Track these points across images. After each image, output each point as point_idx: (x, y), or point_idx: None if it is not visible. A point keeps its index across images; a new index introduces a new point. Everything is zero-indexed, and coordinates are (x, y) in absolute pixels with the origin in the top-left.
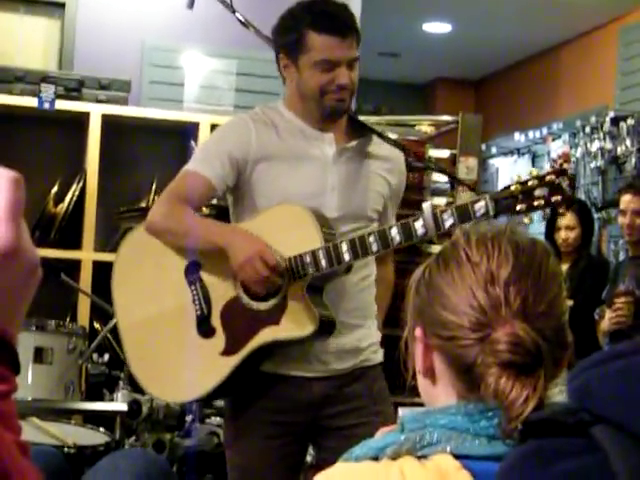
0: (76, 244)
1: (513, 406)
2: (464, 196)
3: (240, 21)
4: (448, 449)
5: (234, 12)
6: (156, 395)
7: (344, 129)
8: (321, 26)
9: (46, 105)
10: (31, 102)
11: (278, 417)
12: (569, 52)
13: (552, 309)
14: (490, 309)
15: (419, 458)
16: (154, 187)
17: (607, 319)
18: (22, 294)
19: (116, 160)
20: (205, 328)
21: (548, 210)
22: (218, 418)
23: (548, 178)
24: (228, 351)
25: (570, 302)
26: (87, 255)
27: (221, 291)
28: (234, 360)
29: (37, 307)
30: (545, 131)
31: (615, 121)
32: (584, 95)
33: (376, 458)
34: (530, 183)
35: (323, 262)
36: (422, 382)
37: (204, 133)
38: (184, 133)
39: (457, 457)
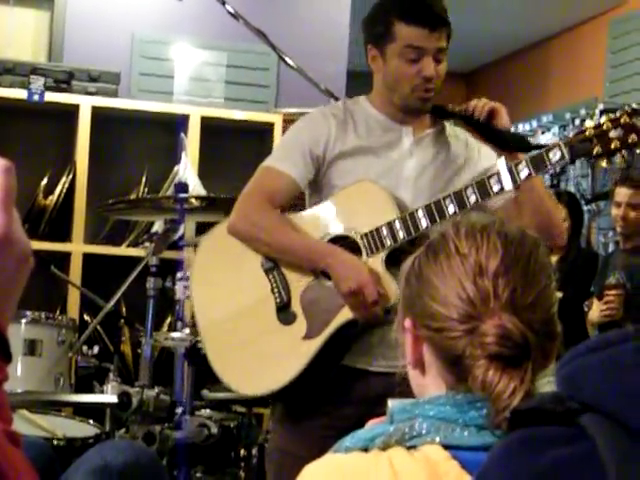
0: (66, 236)
1: (500, 398)
2: None
3: (230, 13)
4: (437, 439)
5: (224, 4)
6: (241, 391)
7: (426, 119)
8: (410, 16)
9: (35, 97)
10: (20, 94)
11: (336, 409)
12: (559, 45)
13: (541, 300)
14: (479, 301)
15: (408, 449)
16: (144, 179)
17: (597, 311)
18: (13, 283)
19: (106, 152)
20: (286, 315)
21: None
22: (208, 410)
23: (623, 119)
24: (310, 334)
25: (559, 294)
26: (77, 247)
27: (299, 276)
28: (316, 343)
29: (27, 299)
30: (535, 124)
31: (605, 113)
32: (574, 88)
33: (366, 449)
34: (604, 126)
35: (400, 233)
36: (412, 373)
37: (194, 125)
38: (174, 125)
39: (446, 447)
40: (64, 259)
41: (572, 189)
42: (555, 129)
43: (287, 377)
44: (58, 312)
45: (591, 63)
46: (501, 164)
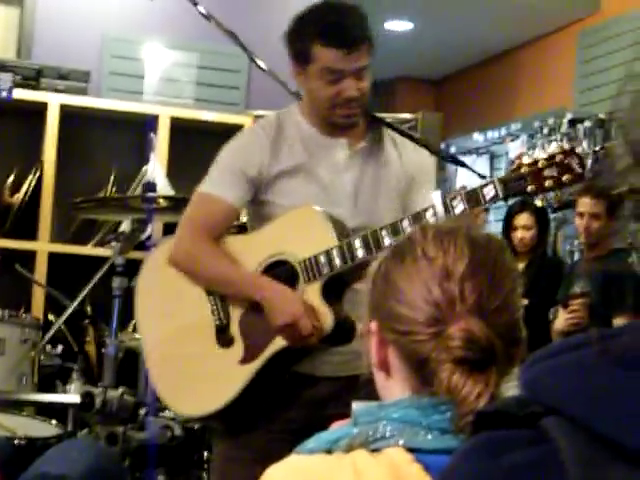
0: (32, 235)
1: (465, 402)
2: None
3: (202, 14)
4: (401, 442)
5: (196, 4)
6: (179, 411)
7: (360, 129)
8: (326, 39)
9: (3, 94)
10: None
11: (282, 413)
12: (529, 54)
13: (506, 305)
14: (445, 304)
15: (372, 451)
16: (112, 178)
17: (562, 320)
18: None
19: (74, 151)
20: (224, 338)
21: (560, 192)
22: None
23: (557, 158)
24: (246, 359)
25: (525, 301)
26: (43, 246)
27: (240, 300)
28: (252, 368)
29: None
30: (504, 131)
31: (573, 123)
32: (543, 97)
33: (329, 451)
34: (539, 163)
35: (337, 261)
36: (377, 375)
37: (164, 125)
38: (143, 125)
39: (409, 450)
40: (30, 257)
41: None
42: (524, 137)
43: (222, 401)
44: (22, 311)
45: (560, 72)
46: (436, 198)
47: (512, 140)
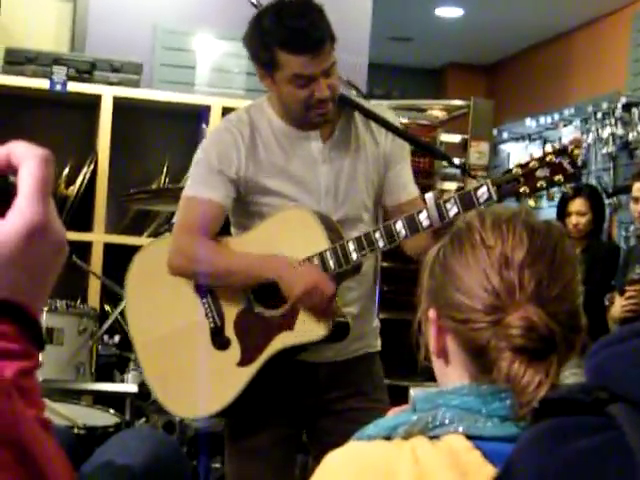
0: (87, 226)
1: (525, 391)
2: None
3: (252, 3)
4: (460, 429)
5: None
6: (176, 412)
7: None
8: (289, 46)
9: (58, 87)
10: (43, 84)
11: (283, 399)
12: (581, 37)
13: (566, 293)
14: (504, 293)
15: (431, 438)
16: (165, 169)
17: (619, 306)
18: (49, 271)
19: (127, 142)
20: (219, 340)
21: (553, 190)
22: None
23: (549, 158)
24: (244, 361)
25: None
26: (98, 237)
27: (233, 302)
28: (251, 370)
29: None
30: (557, 117)
31: (627, 107)
32: (596, 81)
33: (388, 437)
34: (531, 164)
35: (331, 263)
36: (436, 362)
37: (215, 116)
38: (195, 116)
39: (469, 438)
40: (85, 249)
41: (593, 182)
42: (577, 122)
43: (222, 403)
44: (79, 301)
45: (614, 56)
46: (429, 200)
47: (565, 125)
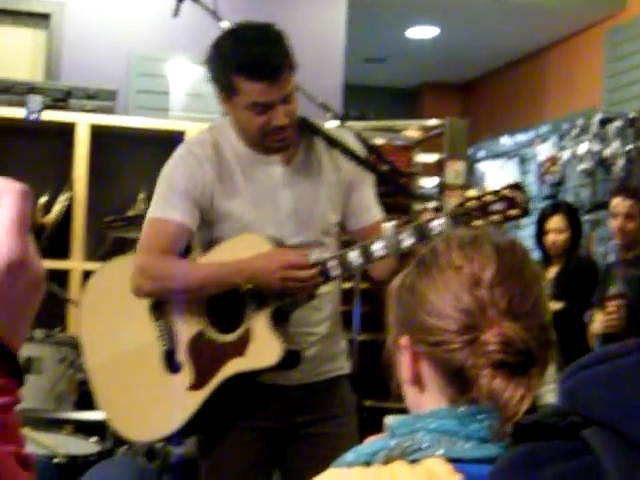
0: (65, 254)
1: (508, 405)
2: (452, 200)
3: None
4: (439, 452)
5: (219, 20)
6: (127, 435)
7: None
8: (247, 73)
9: (33, 116)
10: (18, 113)
11: (252, 423)
12: (555, 55)
13: (537, 308)
14: (477, 311)
15: (410, 462)
16: (142, 196)
17: (598, 322)
18: (27, 307)
19: (104, 169)
20: (172, 363)
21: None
22: None
23: (503, 193)
24: (195, 385)
25: (559, 305)
26: (76, 264)
27: (186, 325)
28: (202, 395)
29: None
30: (533, 134)
31: (603, 123)
32: (571, 98)
33: (368, 463)
34: (485, 198)
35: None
36: (409, 391)
37: None
38: (171, 141)
39: (449, 461)
40: (63, 276)
41: (571, 199)
42: (553, 139)
43: (172, 427)
44: (58, 330)
45: (588, 72)
46: (389, 230)
47: (541, 142)
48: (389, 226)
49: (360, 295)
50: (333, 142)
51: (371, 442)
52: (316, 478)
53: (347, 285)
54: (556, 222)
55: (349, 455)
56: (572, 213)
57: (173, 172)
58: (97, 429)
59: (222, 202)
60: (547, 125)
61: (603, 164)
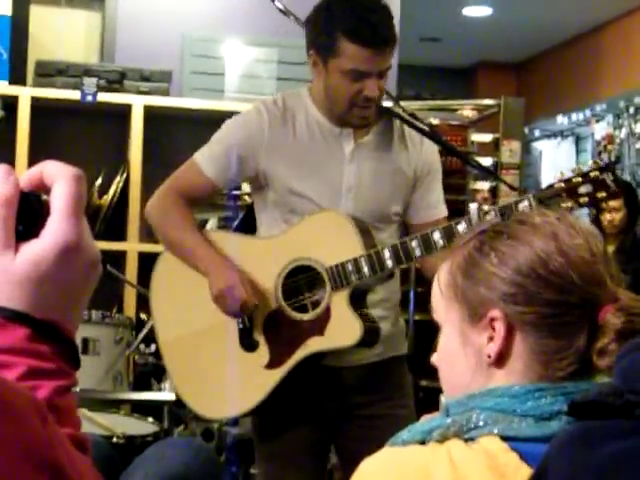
0: (121, 235)
1: None
2: (506, 180)
3: (279, 9)
4: (495, 431)
5: (273, 0)
6: (201, 412)
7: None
8: (356, 36)
9: (89, 98)
10: (74, 95)
11: (309, 404)
12: (611, 33)
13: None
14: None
15: (466, 441)
16: None
17: None
18: (82, 289)
19: (159, 151)
20: (248, 342)
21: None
22: None
23: (592, 174)
24: (273, 364)
25: None
26: (132, 246)
27: (262, 303)
28: (279, 373)
29: None
30: (588, 113)
31: None
32: (627, 76)
33: (423, 442)
34: (574, 180)
35: (366, 269)
36: (469, 367)
37: None
38: None
39: (504, 439)
40: (120, 258)
41: (627, 178)
42: (609, 118)
43: (248, 405)
44: (115, 311)
45: None
46: (472, 210)
47: (597, 121)
48: (474, 208)
49: (415, 275)
50: (409, 123)
51: (427, 420)
52: (371, 457)
53: (402, 266)
54: (613, 200)
55: (404, 434)
56: (629, 192)
57: (231, 125)
58: (154, 409)
59: (279, 167)
60: (603, 103)
61: None
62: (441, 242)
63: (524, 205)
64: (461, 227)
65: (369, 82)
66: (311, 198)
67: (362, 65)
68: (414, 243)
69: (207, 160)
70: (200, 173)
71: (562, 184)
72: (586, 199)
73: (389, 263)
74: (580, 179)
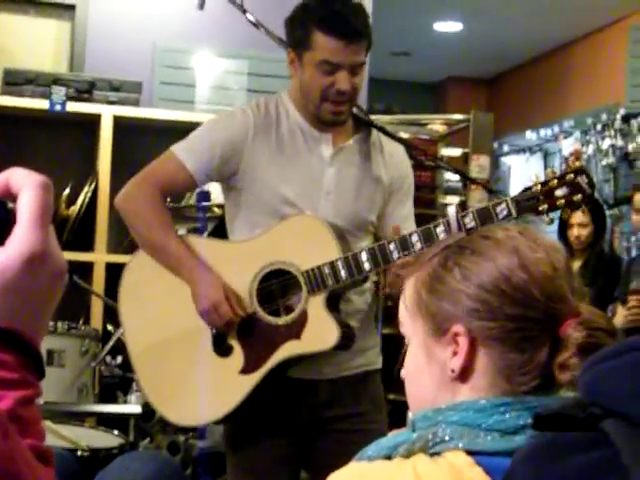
0: (88, 246)
1: None
2: (475, 194)
3: (251, 22)
4: (460, 445)
5: (245, 12)
6: (173, 419)
7: (347, 127)
8: (328, 26)
9: (57, 107)
10: (42, 104)
11: (282, 417)
12: (580, 50)
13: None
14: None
15: (431, 455)
16: None
17: (621, 316)
18: (48, 299)
19: (127, 161)
20: (222, 347)
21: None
22: None
23: (568, 177)
24: (248, 369)
25: None
26: (100, 257)
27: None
28: (254, 378)
29: None
30: (557, 129)
31: (626, 118)
32: (595, 93)
33: (389, 457)
34: (551, 183)
35: (342, 273)
36: (433, 382)
37: None
38: None
39: (470, 453)
40: (87, 269)
41: (594, 194)
42: (577, 134)
43: (223, 410)
44: (81, 322)
45: (612, 68)
46: (451, 213)
47: (565, 137)
48: (452, 210)
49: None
50: (386, 132)
51: (393, 436)
52: (337, 472)
53: (379, 269)
54: (580, 217)
55: (370, 449)
56: (596, 208)
57: (218, 123)
58: (119, 422)
59: (260, 168)
60: (571, 120)
61: (626, 159)
62: (419, 245)
63: (502, 208)
64: (439, 229)
65: (340, 75)
66: (291, 201)
67: (334, 56)
68: (392, 246)
69: (188, 154)
70: (180, 166)
71: (539, 187)
72: (562, 201)
73: (366, 266)
74: (556, 181)
